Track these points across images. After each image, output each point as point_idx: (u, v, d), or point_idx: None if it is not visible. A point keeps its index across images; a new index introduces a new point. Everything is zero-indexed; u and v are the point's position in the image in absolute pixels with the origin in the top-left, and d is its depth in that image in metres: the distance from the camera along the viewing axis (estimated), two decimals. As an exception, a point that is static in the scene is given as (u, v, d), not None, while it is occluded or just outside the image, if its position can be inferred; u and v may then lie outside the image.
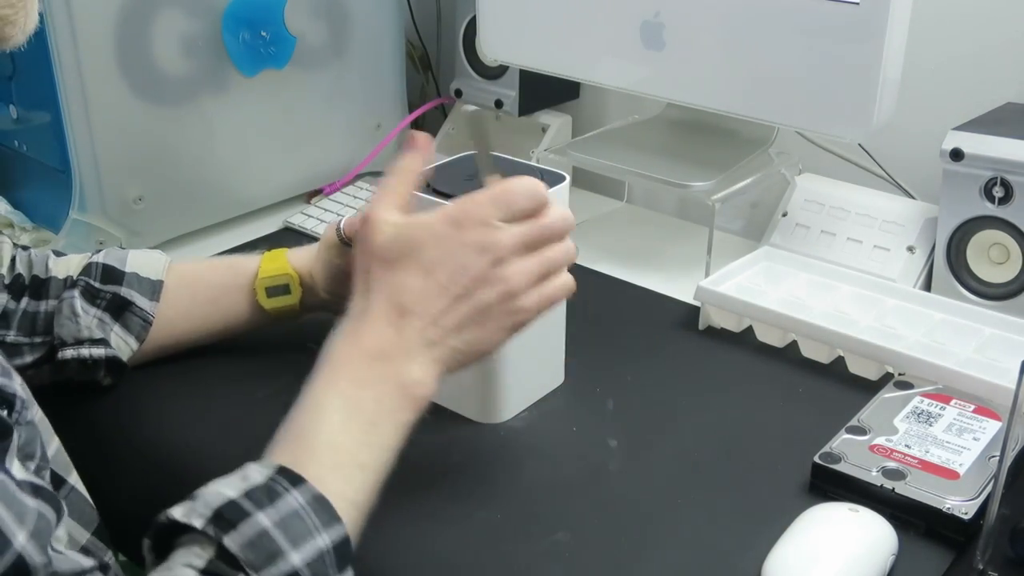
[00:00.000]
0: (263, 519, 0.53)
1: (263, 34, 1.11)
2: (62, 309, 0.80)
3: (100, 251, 0.84)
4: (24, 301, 0.80)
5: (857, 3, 0.87)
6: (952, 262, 0.95)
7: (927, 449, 0.72)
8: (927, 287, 0.98)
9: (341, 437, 0.59)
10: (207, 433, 0.79)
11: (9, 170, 1.12)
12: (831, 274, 0.96)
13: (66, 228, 1.03)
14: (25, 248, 0.83)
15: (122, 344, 0.82)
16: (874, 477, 0.69)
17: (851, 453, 0.71)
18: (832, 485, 0.70)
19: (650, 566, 0.65)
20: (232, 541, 0.52)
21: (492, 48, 1.16)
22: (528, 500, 0.71)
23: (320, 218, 1.16)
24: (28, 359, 0.79)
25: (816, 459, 0.71)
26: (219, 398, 0.83)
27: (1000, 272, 0.93)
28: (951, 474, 0.69)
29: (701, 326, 0.93)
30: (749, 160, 1.05)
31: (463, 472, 0.74)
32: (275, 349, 0.88)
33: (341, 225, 0.81)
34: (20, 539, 0.45)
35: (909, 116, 0.98)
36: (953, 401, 0.77)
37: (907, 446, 0.72)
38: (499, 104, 1.25)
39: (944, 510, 0.66)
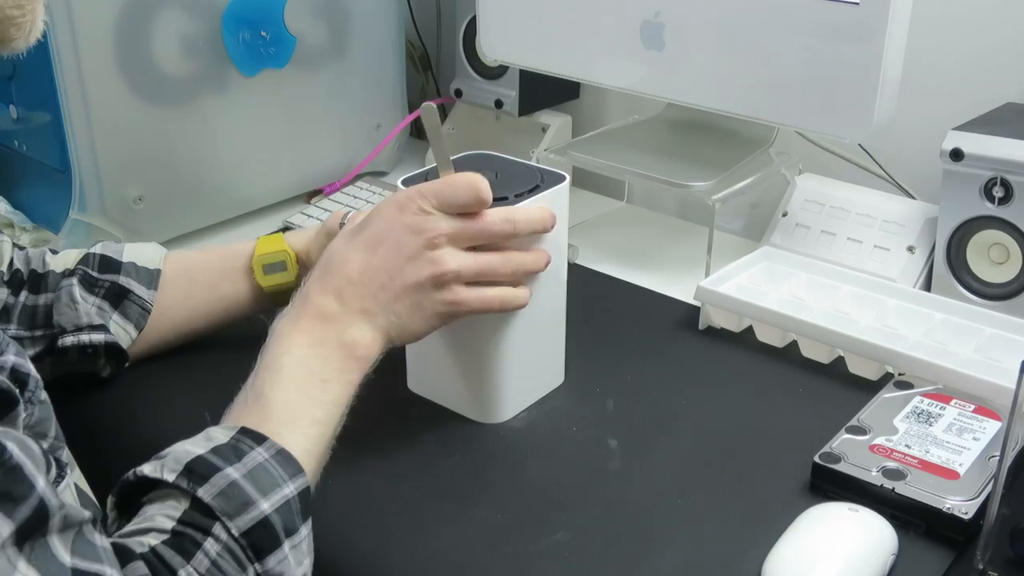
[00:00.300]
0: (232, 472, 0.57)
1: (263, 34, 1.11)
2: (61, 297, 0.80)
3: (96, 244, 0.85)
4: (23, 295, 0.81)
5: (857, 3, 0.87)
6: (952, 262, 0.95)
7: (927, 449, 0.72)
8: (927, 287, 0.98)
9: (295, 394, 0.64)
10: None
11: (9, 170, 1.12)
12: (831, 274, 0.96)
13: (66, 228, 1.03)
14: (22, 248, 0.84)
15: (121, 332, 0.82)
16: (874, 477, 0.69)
17: (851, 453, 0.71)
18: (832, 485, 0.70)
19: (650, 566, 0.65)
20: (205, 492, 0.56)
21: (492, 48, 1.16)
22: (528, 500, 0.71)
23: (320, 218, 1.16)
24: (29, 353, 0.79)
25: (816, 459, 0.71)
26: (218, 396, 0.83)
27: (1000, 272, 0.93)
28: (951, 474, 0.69)
29: (701, 326, 0.93)
30: (749, 160, 1.05)
31: (463, 472, 0.74)
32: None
33: (347, 217, 0.83)
34: (40, 483, 0.47)
35: (909, 116, 0.98)
36: (953, 401, 0.77)
37: (907, 446, 0.72)
38: (499, 104, 1.25)
39: (944, 510, 0.66)
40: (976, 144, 0.91)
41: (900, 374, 0.82)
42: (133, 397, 0.84)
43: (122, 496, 0.59)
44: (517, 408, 0.80)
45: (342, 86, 1.21)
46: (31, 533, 0.46)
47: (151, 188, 1.06)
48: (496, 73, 1.26)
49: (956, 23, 1.06)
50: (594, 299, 0.99)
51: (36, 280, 0.81)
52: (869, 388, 0.81)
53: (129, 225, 1.05)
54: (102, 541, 0.51)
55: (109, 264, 0.83)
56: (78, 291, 0.81)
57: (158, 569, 0.53)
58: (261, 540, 0.56)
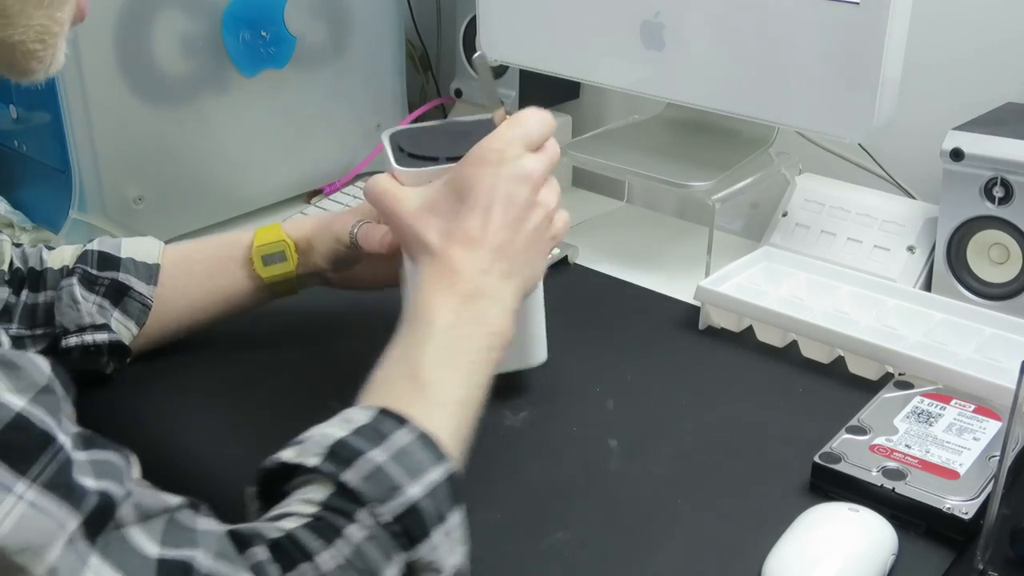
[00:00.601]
0: (376, 455, 0.54)
1: (263, 34, 1.11)
2: (61, 297, 0.80)
3: (93, 240, 0.84)
4: (24, 294, 0.81)
5: (857, 3, 0.87)
6: (952, 262, 0.95)
7: (927, 449, 0.72)
8: (927, 287, 0.98)
9: (443, 375, 0.62)
10: (207, 432, 0.79)
11: (9, 170, 1.12)
12: (831, 274, 0.96)
13: (66, 228, 1.03)
14: (18, 245, 0.83)
15: (123, 329, 0.82)
16: (874, 477, 0.69)
17: (851, 453, 0.71)
18: (832, 485, 0.70)
19: (650, 566, 0.65)
20: (351, 477, 0.53)
21: (492, 48, 1.16)
22: (528, 500, 0.71)
23: (320, 218, 1.16)
24: (31, 351, 0.79)
25: (816, 459, 0.71)
26: (219, 397, 0.83)
27: (1000, 272, 0.93)
28: (951, 474, 0.69)
29: (701, 326, 0.93)
30: (749, 160, 1.05)
31: (463, 472, 0.74)
32: (275, 347, 0.88)
33: (355, 231, 0.81)
34: (90, 484, 0.45)
35: (909, 116, 0.98)
36: (953, 401, 0.77)
37: (907, 446, 0.72)
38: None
39: (944, 510, 0.66)
40: (976, 144, 0.91)
41: (900, 374, 0.82)
42: (137, 392, 0.84)
43: (263, 485, 0.57)
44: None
45: (342, 86, 1.21)
46: (102, 525, 0.45)
47: (151, 188, 1.06)
48: (496, 73, 1.26)
49: (956, 23, 1.06)
50: (594, 299, 0.99)
51: (35, 278, 0.81)
52: (869, 388, 0.81)
53: (129, 225, 1.05)
54: (206, 525, 0.50)
55: (108, 260, 0.82)
56: (78, 290, 0.80)
57: (291, 553, 0.51)
58: (410, 527, 0.54)
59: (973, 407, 0.76)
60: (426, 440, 0.57)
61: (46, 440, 0.44)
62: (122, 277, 0.82)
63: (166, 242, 1.05)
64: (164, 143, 1.06)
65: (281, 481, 0.56)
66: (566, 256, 1.04)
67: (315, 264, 0.85)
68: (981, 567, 0.63)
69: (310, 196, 1.23)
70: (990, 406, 0.76)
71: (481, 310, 0.66)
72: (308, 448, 0.55)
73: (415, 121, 1.33)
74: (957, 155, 0.91)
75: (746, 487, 0.72)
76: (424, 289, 0.66)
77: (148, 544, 0.46)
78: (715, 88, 0.99)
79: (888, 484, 0.68)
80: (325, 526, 0.52)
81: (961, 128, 0.93)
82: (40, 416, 0.44)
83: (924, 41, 0.99)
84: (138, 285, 0.83)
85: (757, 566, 0.63)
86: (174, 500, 0.49)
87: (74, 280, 0.81)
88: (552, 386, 0.83)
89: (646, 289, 1.01)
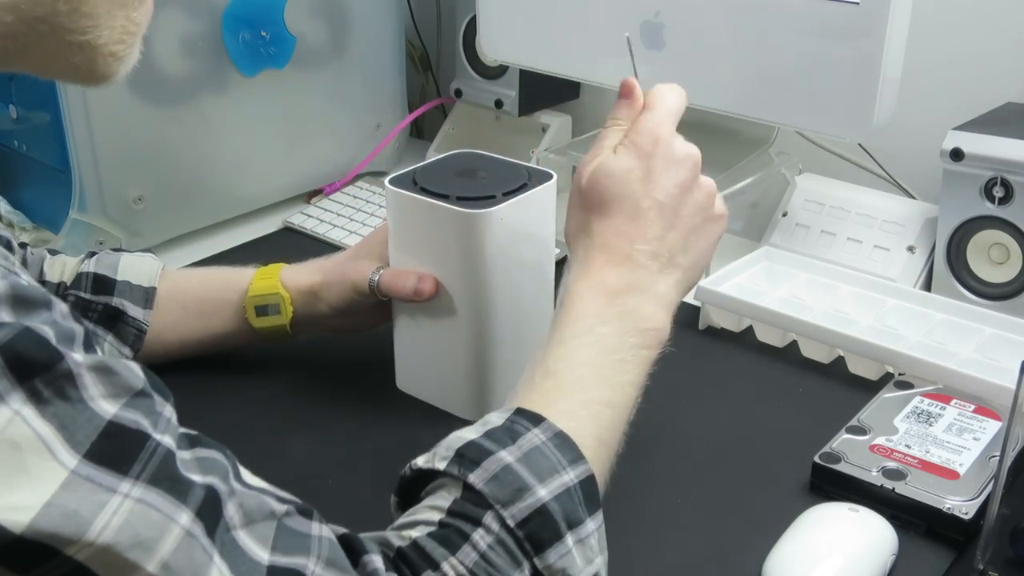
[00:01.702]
0: (505, 455, 0.53)
1: (263, 34, 1.11)
2: None
3: (93, 256, 0.83)
4: None
5: (857, 3, 0.87)
6: (952, 262, 0.95)
7: (927, 449, 0.72)
8: (927, 287, 0.98)
9: (590, 374, 0.60)
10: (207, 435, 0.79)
11: (9, 170, 1.12)
12: (831, 274, 0.96)
13: (66, 228, 1.03)
14: (23, 245, 0.82)
15: (116, 355, 0.81)
16: (874, 477, 0.69)
17: (851, 453, 0.71)
18: (832, 485, 0.70)
19: (650, 566, 0.65)
20: (477, 478, 0.52)
21: (492, 48, 1.16)
22: (528, 500, 0.71)
23: (320, 218, 1.16)
24: None
25: (816, 459, 0.71)
26: (219, 401, 0.83)
27: (1000, 272, 0.93)
28: (951, 474, 0.69)
29: (701, 326, 0.93)
30: (749, 160, 1.05)
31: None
32: (276, 353, 0.88)
33: (375, 279, 0.78)
34: (198, 479, 0.45)
35: (909, 116, 0.98)
36: (953, 401, 0.77)
37: (907, 446, 0.72)
38: (499, 104, 1.25)
39: (944, 510, 0.66)
40: (976, 144, 0.91)
41: (900, 374, 0.82)
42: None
43: (402, 495, 0.56)
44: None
45: (342, 86, 1.21)
46: (216, 521, 0.44)
47: (151, 188, 1.06)
48: (496, 73, 1.26)
49: (956, 23, 1.06)
50: (594, 299, 0.99)
51: None
52: (869, 388, 0.81)
53: (129, 225, 1.05)
54: (317, 531, 0.48)
55: (103, 284, 0.81)
56: None
57: (414, 562, 0.49)
58: (539, 531, 0.51)
59: (973, 407, 0.76)
60: (561, 440, 0.55)
61: (142, 439, 0.43)
62: (115, 302, 0.81)
63: (167, 242, 1.05)
64: (164, 143, 1.06)
65: (419, 487, 0.55)
66: (566, 256, 1.04)
67: (320, 313, 0.82)
68: (981, 567, 0.63)
69: (310, 196, 1.23)
70: (990, 406, 0.76)
71: (633, 306, 0.63)
72: (439, 451, 0.54)
73: (415, 121, 1.33)
74: (957, 155, 0.91)
75: (746, 487, 0.72)
76: (575, 283, 0.64)
77: (258, 549, 0.45)
78: (715, 88, 0.99)
79: (888, 484, 0.68)
80: (452, 532, 0.51)
81: (961, 128, 0.93)
82: (134, 418, 0.43)
83: (924, 41, 0.99)
84: (132, 310, 0.81)
85: (757, 566, 0.63)
86: (280, 506, 0.48)
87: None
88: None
89: (646, 289, 1.01)
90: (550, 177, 0.77)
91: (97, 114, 1.00)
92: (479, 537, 0.50)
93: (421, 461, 0.55)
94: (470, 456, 0.53)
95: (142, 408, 0.44)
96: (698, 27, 0.98)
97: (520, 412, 0.56)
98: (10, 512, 0.39)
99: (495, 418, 0.56)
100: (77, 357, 0.42)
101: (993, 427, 0.74)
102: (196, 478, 0.44)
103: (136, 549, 0.41)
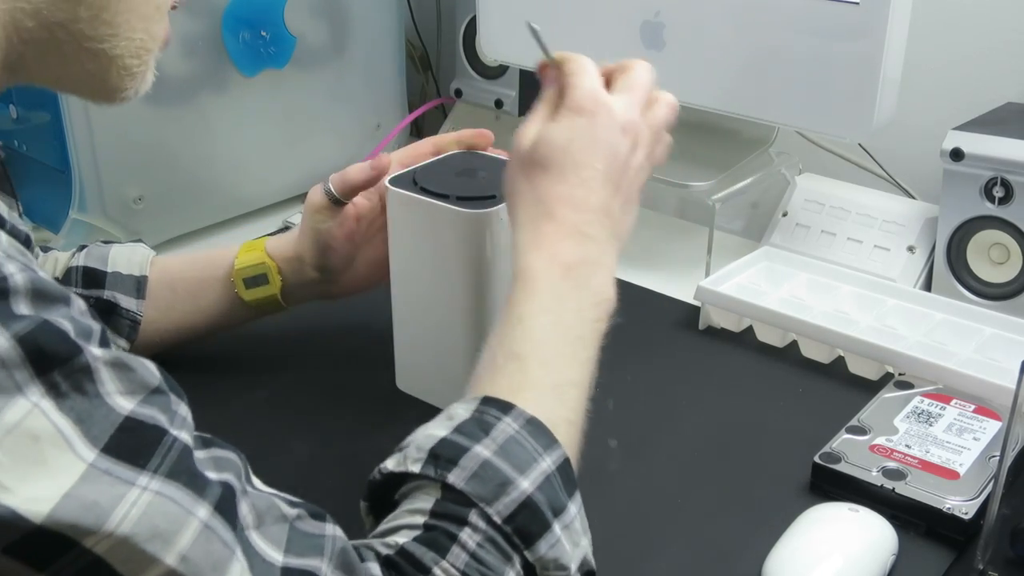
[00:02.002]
0: (481, 450, 0.51)
1: (263, 34, 1.11)
2: None
3: (83, 250, 0.83)
4: None
5: (857, 3, 0.87)
6: (952, 262, 0.95)
7: (927, 449, 0.72)
8: (927, 287, 0.98)
9: (553, 355, 0.58)
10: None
11: (9, 170, 1.12)
12: (831, 274, 0.96)
13: (66, 228, 1.03)
14: None
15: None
16: (874, 477, 0.69)
17: (851, 453, 0.71)
18: (832, 485, 0.70)
19: (650, 566, 0.65)
20: (457, 477, 0.50)
21: (492, 48, 1.16)
22: (528, 500, 0.71)
23: (320, 218, 1.16)
24: None
25: (816, 459, 0.71)
26: (219, 401, 0.83)
27: (1000, 272, 0.93)
28: (951, 474, 0.69)
29: (701, 326, 0.93)
30: (749, 160, 1.05)
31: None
32: (276, 353, 0.88)
33: (328, 186, 0.80)
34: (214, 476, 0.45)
35: (909, 116, 0.98)
36: (953, 401, 0.77)
37: (907, 446, 0.72)
38: (499, 104, 1.25)
39: (944, 510, 0.66)
40: (976, 144, 0.91)
41: (900, 374, 0.82)
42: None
43: (373, 499, 0.55)
44: None
45: (342, 86, 1.21)
46: (232, 519, 0.44)
47: (151, 188, 1.06)
48: (496, 73, 1.26)
49: (956, 23, 1.06)
50: (594, 299, 0.99)
51: None
52: (869, 388, 0.81)
53: (129, 225, 1.05)
54: (333, 531, 0.48)
55: (93, 277, 0.81)
56: None
57: (404, 569, 0.48)
58: (527, 524, 0.50)
59: (973, 407, 0.76)
60: (534, 426, 0.54)
61: (160, 434, 0.43)
62: (107, 295, 0.81)
63: (167, 242, 1.05)
64: (164, 143, 1.06)
65: (391, 491, 0.54)
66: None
67: (309, 278, 0.82)
68: (981, 567, 0.63)
69: (310, 196, 1.23)
70: (990, 406, 0.76)
71: (585, 279, 0.61)
72: (410, 453, 0.52)
73: (415, 121, 1.33)
74: (957, 155, 0.91)
75: (746, 487, 0.72)
76: (526, 255, 0.62)
77: (271, 550, 0.45)
78: (715, 88, 0.99)
79: (888, 484, 0.68)
80: (439, 534, 0.50)
81: (961, 128, 0.93)
82: (151, 414, 0.43)
83: (924, 41, 0.99)
84: (125, 301, 0.81)
85: (757, 566, 0.63)
86: (291, 509, 0.47)
87: None
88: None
89: (646, 289, 1.01)
90: None
91: (97, 114, 1.00)
92: (467, 537, 0.49)
93: (391, 464, 0.53)
94: (445, 455, 0.51)
95: (158, 405, 0.44)
96: (698, 27, 0.98)
97: (488, 401, 0.54)
98: (29, 503, 0.39)
99: (461, 410, 0.54)
100: (95, 352, 0.42)
101: (993, 427, 0.74)
102: (212, 475, 0.44)
103: (155, 541, 0.41)
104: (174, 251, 1.08)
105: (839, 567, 0.62)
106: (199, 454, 0.45)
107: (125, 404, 0.42)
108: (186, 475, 0.43)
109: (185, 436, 0.44)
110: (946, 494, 0.67)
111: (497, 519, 0.50)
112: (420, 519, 0.50)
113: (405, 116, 1.30)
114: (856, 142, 1.05)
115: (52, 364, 0.40)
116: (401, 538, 0.50)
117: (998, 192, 0.91)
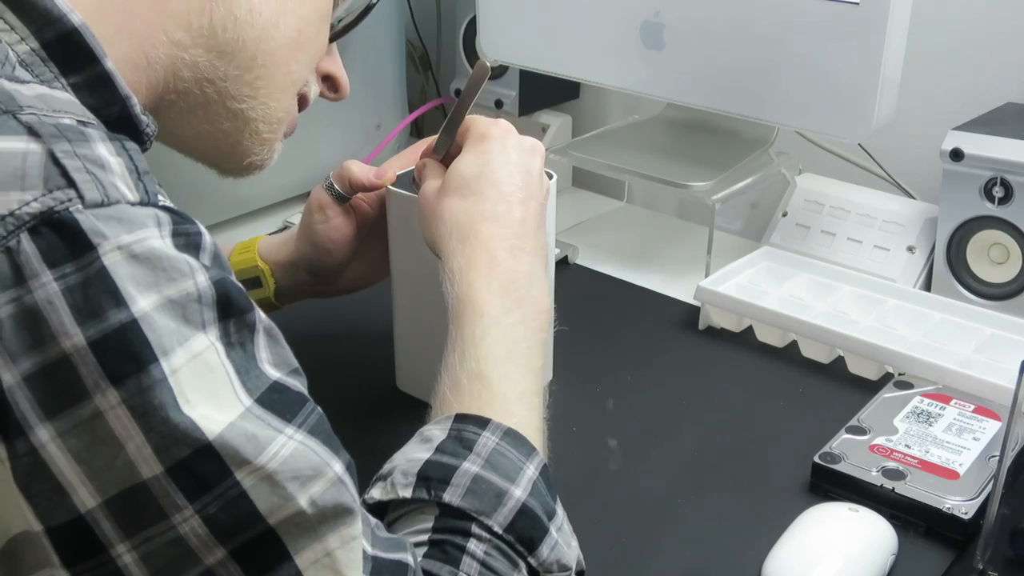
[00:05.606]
0: (469, 466, 0.53)
1: (263, 34, 1.10)
2: None
3: None
4: None
5: (857, 3, 0.87)
6: (952, 262, 0.95)
7: (927, 449, 0.72)
8: (927, 287, 0.98)
9: (512, 369, 0.60)
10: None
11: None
12: (831, 274, 0.96)
13: (66, 228, 1.03)
14: None
15: None
16: (874, 477, 0.69)
17: (851, 453, 0.71)
18: (832, 485, 0.70)
19: (650, 566, 0.65)
20: (452, 496, 0.52)
21: (492, 48, 1.16)
22: (528, 500, 0.71)
23: (320, 218, 1.16)
24: None
25: (816, 459, 0.71)
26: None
27: (1000, 272, 0.93)
28: (951, 474, 0.69)
29: (701, 326, 0.93)
30: (749, 160, 1.05)
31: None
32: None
33: (331, 181, 0.80)
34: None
35: (909, 116, 0.98)
36: (953, 401, 0.77)
37: (907, 446, 0.72)
38: (499, 104, 1.25)
39: (944, 510, 0.66)
40: (976, 144, 0.91)
41: (900, 374, 0.82)
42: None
43: None
44: None
45: (342, 86, 1.21)
46: (355, 486, 0.47)
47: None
48: (496, 73, 1.26)
49: (956, 23, 1.06)
50: (594, 299, 0.99)
51: None
52: (869, 388, 0.81)
53: (129, 225, 1.05)
54: (403, 535, 0.51)
55: None
56: None
57: None
58: (527, 530, 0.52)
59: (973, 407, 0.76)
60: (513, 437, 0.55)
61: (303, 399, 0.47)
62: None
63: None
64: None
65: (377, 517, 0.54)
66: (566, 256, 1.05)
67: (302, 280, 0.82)
68: (981, 567, 0.63)
69: (310, 196, 1.23)
70: (990, 406, 0.76)
71: (525, 290, 0.63)
72: (396, 479, 0.53)
73: (415, 121, 1.33)
74: (957, 155, 0.91)
75: (746, 487, 0.72)
76: (463, 277, 0.63)
77: (364, 542, 0.47)
78: (715, 88, 0.99)
79: (888, 484, 0.68)
80: (447, 547, 0.51)
81: (961, 128, 0.93)
82: (294, 383, 0.47)
83: (924, 41, 0.99)
84: None
85: (757, 566, 0.63)
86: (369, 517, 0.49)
87: None
88: (552, 386, 0.83)
89: (646, 289, 1.01)
90: (550, 177, 0.77)
91: (97, 114, 1.00)
92: (474, 547, 0.51)
93: (378, 493, 0.54)
94: (436, 476, 0.53)
95: (299, 381, 0.48)
96: (698, 27, 0.98)
97: (462, 418, 0.56)
98: (205, 420, 0.42)
99: (436, 431, 0.56)
100: (261, 314, 0.46)
101: (993, 427, 0.74)
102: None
103: (294, 482, 0.44)
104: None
105: (839, 567, 0.62)
106: None
107: (273, 372, 0.46)
108: (324, 435, 0.46)
109: (320, 410, 0.48)
110: (946, 494, 0.67)
111: (498, 529, 0.51)
112: (424, 536, 0.51)
113: (405, 116, 1.30)
114: (856, 142, 1.05)
115: (231, 313, 0.45)
116: (409, 558, 0.50)
117: (998, 192, 0.91)
